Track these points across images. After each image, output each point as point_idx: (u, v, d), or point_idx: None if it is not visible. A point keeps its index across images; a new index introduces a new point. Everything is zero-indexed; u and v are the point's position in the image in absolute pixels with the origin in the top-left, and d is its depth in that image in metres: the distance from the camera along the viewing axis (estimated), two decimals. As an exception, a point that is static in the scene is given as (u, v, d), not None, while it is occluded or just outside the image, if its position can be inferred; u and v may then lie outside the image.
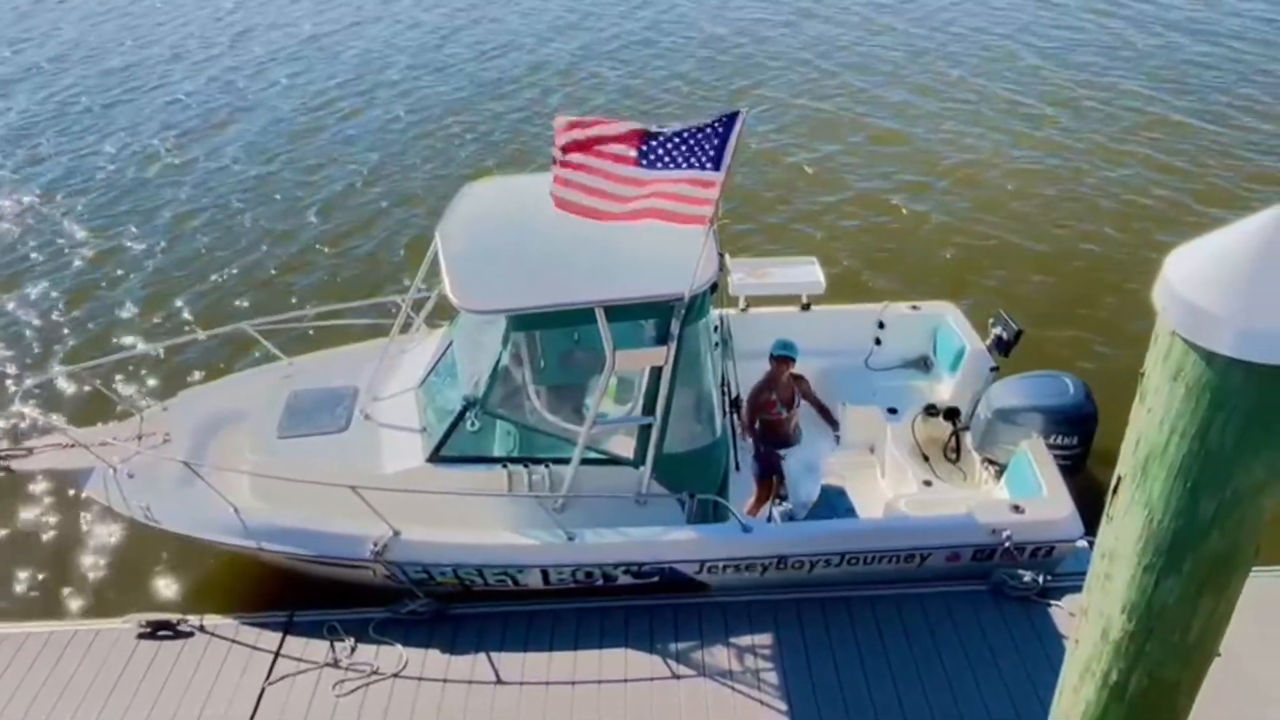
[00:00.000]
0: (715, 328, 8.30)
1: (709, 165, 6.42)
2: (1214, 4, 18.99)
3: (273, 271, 12.34)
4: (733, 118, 6.41)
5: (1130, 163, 13.82)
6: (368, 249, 12.68)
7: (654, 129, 6.51)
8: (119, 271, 12.45)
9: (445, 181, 13.64)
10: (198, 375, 10.20)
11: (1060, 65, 16.87)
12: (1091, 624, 3.19)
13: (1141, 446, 2.88)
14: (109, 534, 8.73)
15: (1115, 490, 3.04)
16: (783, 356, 7.60)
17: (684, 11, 19.82)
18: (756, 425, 7.75)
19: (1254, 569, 7.77)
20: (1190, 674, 3.12)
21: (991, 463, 7.97)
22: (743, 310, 8.95)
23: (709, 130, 6.41)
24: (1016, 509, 7.19)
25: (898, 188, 13.58)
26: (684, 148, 6.39)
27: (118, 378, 10.27)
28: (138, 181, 14.41)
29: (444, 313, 8.45)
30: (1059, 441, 7.60)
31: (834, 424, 7.99)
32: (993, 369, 8.29)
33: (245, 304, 11.60)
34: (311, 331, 9.80)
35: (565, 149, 6.58)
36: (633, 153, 6.49)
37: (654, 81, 16.90)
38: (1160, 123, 14.86)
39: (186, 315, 11.55)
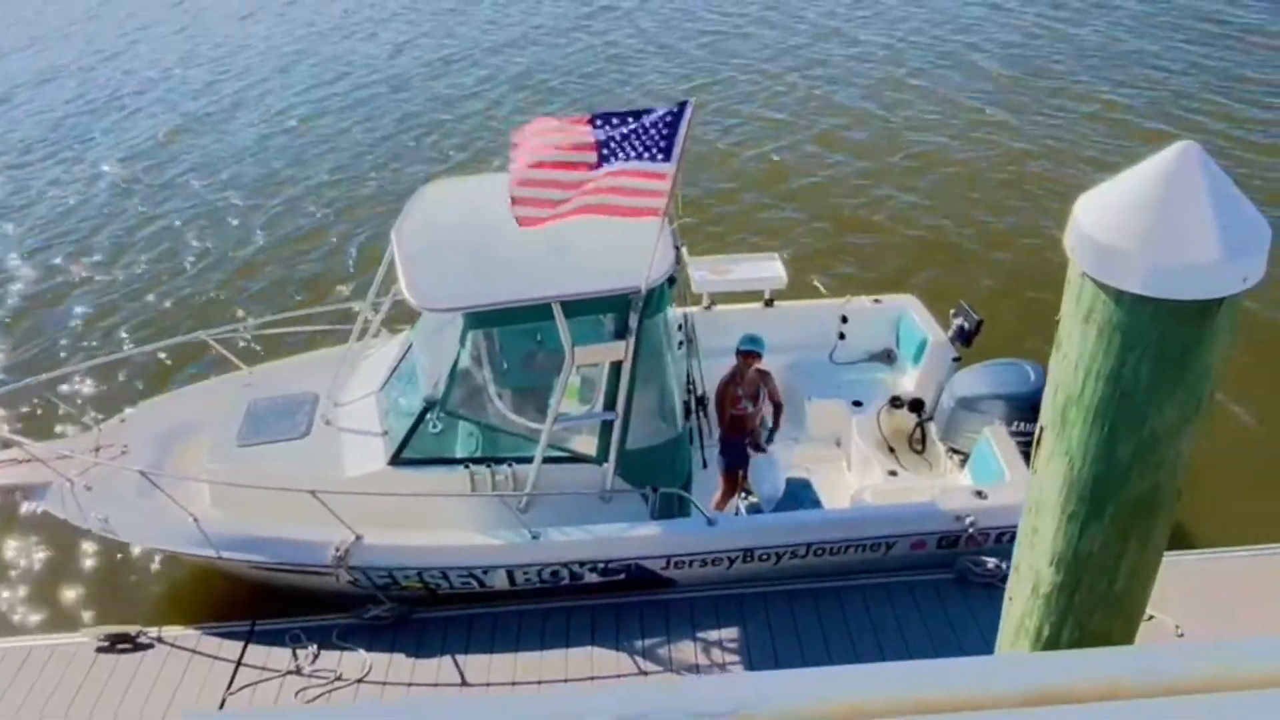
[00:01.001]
0: (680, 326, 8.30)
1: (659, 157, 6.43)
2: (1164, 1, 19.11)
3: (226, 284, 12.22)
4: (681, 108, 6.42)
5: (1074, 160, 13.86)
6: (321, 259, 12.58)
7: (601, 114, 6.51)
8: (73, 287, 12.32)
9: (397, 192, 13.57)
10: (157, 386, 10.10)
11: (1005, 63, 16.92)
12: (1022, 579, 3.17)
13: (1059, 394, 2.86)
14: (66, 548, 8.56)
15: (1038, 442, 3.02)
16: (748, 351, 7.59)
17: (635, 20, 19.86)
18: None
19: (1212, 551, 7.71)
20: (1120, 624, 3.09)
21: (956, 452, 7.96)
22: (706, 308, 8.94)
23: (659, 122, 6.41)
24: (979, 494, 7.19)
25: (848, 185, 13.60)
26: (633, 139, 6.38)
27: (75, 391, 10.16)
28: (85, 198, 14.24)
29: (405, 318, 8.41)
30: (1021, 428, 7.59)
31: (772, 429, 7.86)
32: (955, 359, 8.30)
33: (201, 316, 11.46)
34: (258, 345, 9.72)
35: (521, 162, 6.58)
36: (588, 143, 6.48)
37: (606, 89, 16.85)
38: (1105, 118, 14.93)
39: (143, 328, 11.43)
